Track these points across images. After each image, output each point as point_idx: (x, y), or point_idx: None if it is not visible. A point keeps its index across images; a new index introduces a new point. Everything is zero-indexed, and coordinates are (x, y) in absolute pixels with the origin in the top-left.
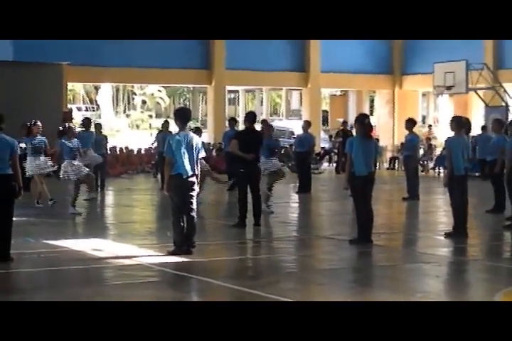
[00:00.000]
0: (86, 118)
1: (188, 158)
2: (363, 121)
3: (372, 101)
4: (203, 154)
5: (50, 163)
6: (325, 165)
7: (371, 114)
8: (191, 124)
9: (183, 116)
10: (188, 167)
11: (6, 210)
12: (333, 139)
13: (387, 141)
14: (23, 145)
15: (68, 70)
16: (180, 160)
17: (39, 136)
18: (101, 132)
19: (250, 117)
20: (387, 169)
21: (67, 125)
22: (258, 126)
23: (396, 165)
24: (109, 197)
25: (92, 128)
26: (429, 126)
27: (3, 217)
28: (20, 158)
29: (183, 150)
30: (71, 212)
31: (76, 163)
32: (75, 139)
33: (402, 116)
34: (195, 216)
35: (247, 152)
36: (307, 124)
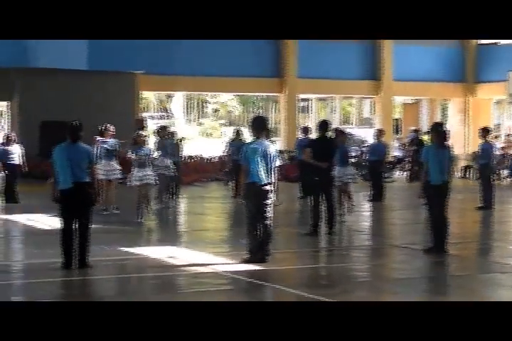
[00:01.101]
0: (162, 126)
1: (264, 166)
2: (438, 129)
3: (444, 109)
4: (278, 163)
5: (118, 169)
6: (397, 173)
7: (444, 122)
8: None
9: (259, 124)
10: (263, 175)
11: (85, 217)
12: (405, 147)
13: (460, 150)
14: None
15: (141, 79)
16: (255, 169)
17: (112, 140)
18: (176, 140)
19: (323, 125)
20: (460, 178)
21: (137, 133)
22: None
23: (469, 174)
24: (182, 205)
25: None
26: (508, 135)
27: (82, 224)
28: None
29: (259, 158)
30: (137, 221)
31: (145, 171)
32: (146, 147)
33: (475, 124)
34: (270, 224)
35: (320, 160)
36: (380, 133)
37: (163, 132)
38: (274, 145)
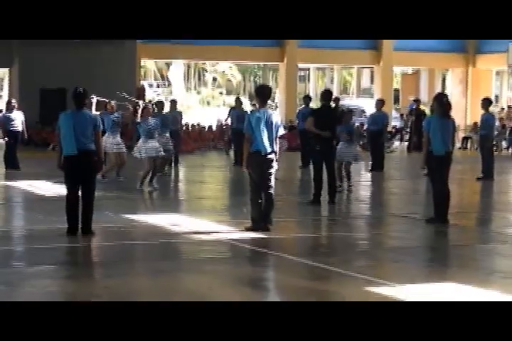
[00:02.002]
0: (160, 101)
1: (267, 135)
2: (441, 100)
3: (444, 79)
4: (281, 132)
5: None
6: (396, 143)
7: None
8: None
9: (263, 93)
10: (266, 144)
11: (89, 185)
12: (404, 118)
13: (460, 121)
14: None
15: (141, 47)
16: (259, 137)
17: (116, 113)
18: (176, 108)
19: (327, 95)
20: (460, 149)
21: (141, 104)
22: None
23: (469, 145)
24: (183, 173)
25: (166, 108)
26: (509, 106)
27: (86, 192)
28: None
29: (263, 127)
30: (138, 188)
31: (152, 143)
32: (152, 118)
33: (475, 95)
34: (273, 193)
35: (322, 129)
36: (380, 102)
37: (160, 106)
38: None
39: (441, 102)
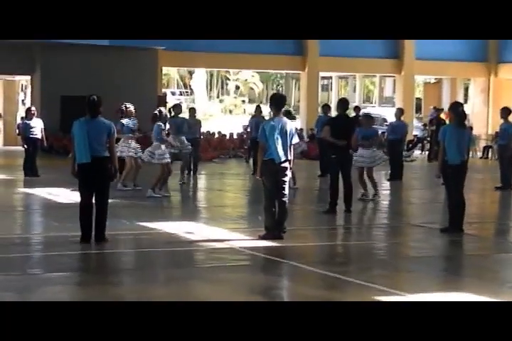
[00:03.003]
0: (176, 104)
1: (282, 144)
2: (457, 109)
3: (466, 89)
4: (296, 140)
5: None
6: (417, 153)
7: (465, 102)
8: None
9: (277, 101)
10: (281, 152)
11: (103, 192)
12: (426, 127)
13: (481, 130)
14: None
15: (163, 55)
16: (273, 146)
17: (133, 119)
18: (195, 116)
19: (343, 104)
20: (481, 158)
21: (160, 109)
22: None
23: (490, 155)
24: (202, 181)
25: (185, 114)
26: None
27: (100, 199)
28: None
29: (277, 135)
30: (149, 196)
31: (163, 148)
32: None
33: (497, 104)
34: (287, 201)
35: (338, 138)
36: (400, 112)
37: (176, 110)
38: (294, 123)
39: (457, 111)
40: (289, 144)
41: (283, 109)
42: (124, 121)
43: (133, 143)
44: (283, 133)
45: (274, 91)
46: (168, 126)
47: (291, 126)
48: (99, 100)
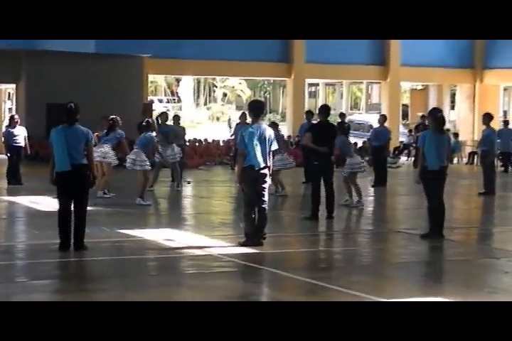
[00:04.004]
0: (162, 112)
1: (261, 150)
2: (435, 114)
3: (453, 95)
4: (275, 146)
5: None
6: (403, 159)
7: (452, 108)
8: (269, 118)
9: (256, 108)
10: (260, 159)
11: (81, 199)
12: (412, 133)
13: (467, 136)
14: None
15: (149, 62)
16: (252, 152)
17: (119, 131)
18: (179, 123)
19: (324, 110)
20: (466, 164)
21: (148, 120)
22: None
23: (475, 160)
24: (186, 188)
25: (170, 121)
26: None
27: (79, 207)
28: None
29: (256, 142)
30: (138, 203)
31: (143, 156)
32: (153, 133)
33: (483, 110)
34: (266, 207)
35: (320, 145)
36: (383, 118)
37: (163, 118)
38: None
39: (435, 117)
40: (268, 151)
41: (263, 118)
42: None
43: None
44: (262, 140)
45: (255, 98)
46: (155, 135)
47: (270, 132)
48: (76, 107)
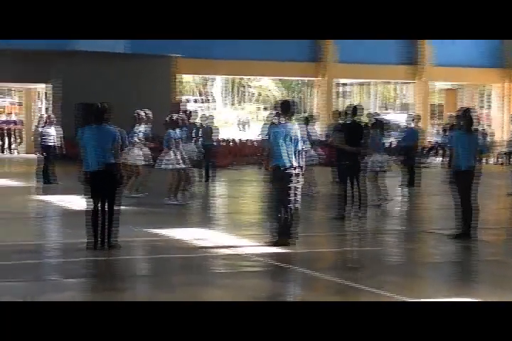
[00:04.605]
0: (190, 111)
1: (288, 150)
2: (465, 114)
3: (486, 95)
4: (302, 146)
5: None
6: (434, 159)
7: (483, 108)
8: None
9: (284, 108)
10: (287, 158)
11: (111, 199)
12: (442, 133)
13: (498, 136)
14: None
15: (180, 62)
16: (279, 152)
17: (144, 126)
18: (210, 123)
19: (353, 110)
20: (496, 164)
21: (172, 116)
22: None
23: (505, 160)
24: (217, 188)
25: (199, 120)
26: None
27: (109, 205)
28: None
29: (282, 141)
30: (168, 203)
31: (174, 154)
32: (178, 130)
33: None
34: (295, 207)
35: (349, 145)
36: (413, 118)
37: (191, 117)
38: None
39: (465, 117)
40: (295, 150)
41: (291, 118)
42: (139, 128)
43: (143, 151)
44: (289, 139)
45: (284, 98)
46: (179, 133)
47: (297, 131)
48: (105, 107)
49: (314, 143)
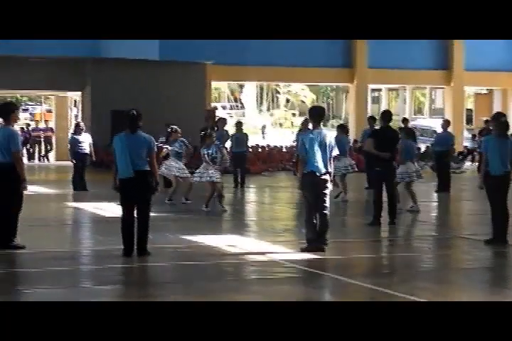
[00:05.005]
0: (220, 118)
1: (321, 156)
2: (499, 119)
3: None
4: (336, 152)
5: (186, 170)
6: (468, 164)
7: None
8: (332, 124)
9: (316, 114)
10: (320, 165)
11: (144, 206)
12: (476, 138)
13: None
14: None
15: (212, 69)
16: (312, 158)
17: (178, 141)
18: (242, 130)
19: (386, 116)
20: None
21: (207, 132)
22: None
23: None
24: (249, 194)
25: (229, 127)
26: None
27: (142, 213)
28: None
29: (316, 148)
30: (203, 209)
31: (207, 169)
32: (213, 146)
33: None
34: (327, 213)
35: (382, 151)
36: (446, 123)
37: (220, 124)
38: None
39: (499, 121)
40: (328, 157)
41: (324, 124)
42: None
43: (178, 164)
44: (322, 146)
45: (315, 104)
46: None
47: (330, 138)
48: (138, 114)
49: (348, 151)
